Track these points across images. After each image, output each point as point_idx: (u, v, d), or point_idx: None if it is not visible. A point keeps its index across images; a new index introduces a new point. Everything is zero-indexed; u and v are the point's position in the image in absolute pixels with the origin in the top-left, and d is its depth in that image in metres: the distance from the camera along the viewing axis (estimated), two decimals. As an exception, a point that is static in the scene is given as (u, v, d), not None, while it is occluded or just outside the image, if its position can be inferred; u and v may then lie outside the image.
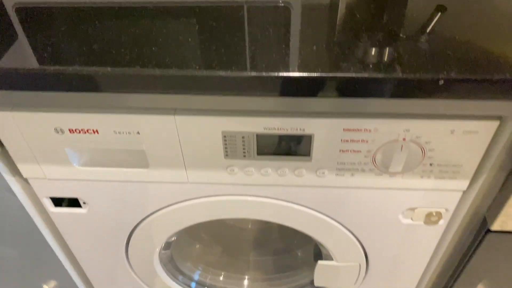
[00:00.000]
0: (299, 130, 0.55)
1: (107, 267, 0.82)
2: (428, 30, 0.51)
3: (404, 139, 0.55)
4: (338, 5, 0.57)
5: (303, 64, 0.46)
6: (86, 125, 0.57)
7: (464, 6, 0.56)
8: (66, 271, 0.83)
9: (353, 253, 0.73)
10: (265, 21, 0.55)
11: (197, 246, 0.96)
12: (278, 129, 0.55)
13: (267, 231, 0.99)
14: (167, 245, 0.82)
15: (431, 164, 0.58)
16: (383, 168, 0.58)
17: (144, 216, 0.70)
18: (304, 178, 0.61)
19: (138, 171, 0.63)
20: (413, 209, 0.65)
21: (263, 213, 0.68)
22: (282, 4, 0.58)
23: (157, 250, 0.77)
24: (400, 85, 0.45)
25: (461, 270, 0.68)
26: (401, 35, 0.50)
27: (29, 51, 0.51)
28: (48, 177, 0.65)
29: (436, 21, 0.53)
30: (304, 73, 0.45)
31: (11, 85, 0.49)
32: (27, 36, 0.53)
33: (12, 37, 0.53)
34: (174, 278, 0.86)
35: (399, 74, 0.44)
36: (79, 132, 0.58)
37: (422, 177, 0.60)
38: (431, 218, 0.66)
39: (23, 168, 0.63)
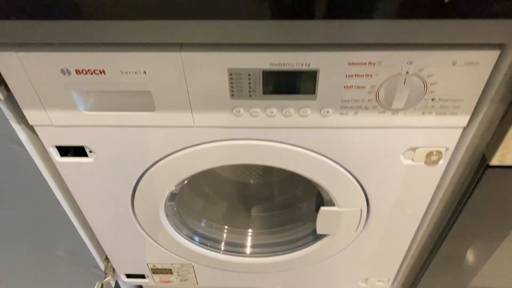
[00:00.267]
0: (305, 65, 0.56)
1: (113, 220, 0.84)
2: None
3: (407, 73, 0.56)
4: None
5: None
6: (92, 65, 0.57)
7: None
8: (74, 229, 0.84)
9: (355, 197, 0.75)
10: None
11: (200, 201, 0.98)
12: (284, 64, 0.56)
13: (269, 186, 1.00)
14: (173, 197, 0.83)
15: (432, 99, 0.59)
16: (386, 104, 0.60)
17: (150, 164, 0.71)
18: (309, 118, 0.62)
19: (144, 115, 0.63)
20: (414, 149, 0.67)
21: (268, 157, 0.69)
22: None
23: (163, 200, 0.78)
24: (404, 4, 0.45)
25: (461, 209, 0.70)
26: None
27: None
28: (55, 123, 0.65)
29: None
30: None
31: (16, 14, 0.49)
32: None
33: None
34: (179, 231, 0.88)
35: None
36: (86, 73, 0.58)
37: (423, 113, 0.61)
38: (431, 158, 0.67)
39: (29, 114, 0.64)
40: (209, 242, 0.93)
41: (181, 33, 0.52)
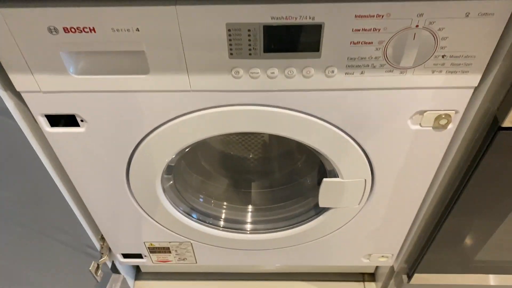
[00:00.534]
0: (309, 18, 0.52)
1: (108, 195, 0.80)
2: None
3: (417, 26, 0.52)
4: None
5: None
6: (82, 22, 0.53)
7: None
8: (68, 206, 0.81)
9: (359, 167, 0.72)
10: None
11: (198, 177, 0.95)
12: (286, 18, 0.52)
13: (269, 160, 0.97)
14: (169, 170, 0.80)
15: (443, 56, 0.56)
16: (395, 62, 0.57)
17: (145, 134, 0.68)
18: (313, 79, 0.59)
19: (138, 78, 0.60)
20: (422, 113, 0.64)
21: (270, 124, 0.66)
22: None
23: (160, 173, 0.75)
24: None
25: (470, 176, 0.67)
26: None
27: None
28: (43, 89, 0.62)
29: None
30: None
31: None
32: None
33: None
34: (176, 206, 0.85)
35: None
36: (75, 31, 0.54)
37: (433, 72, 0.58)
38: (440, 122, 0.64)
39: (16, 79, 0.60)
40: (208, 218, 0.90)
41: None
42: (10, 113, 0.64)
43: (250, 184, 0.97)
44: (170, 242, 0.94)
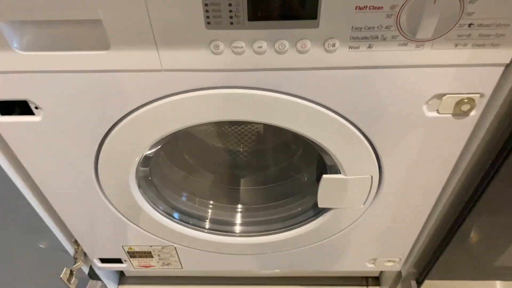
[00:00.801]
0: (303, -25, 0.42)
1: (75, 194, 0.70)
2: None
3: (439, -15, 0.42)
4: None
5: None
6: (20, -18, 0.43)
7: None
8: (30, 207, 0.70)
9: (365, 161, 0.62)
10: None
11: (180, 172, 0.84)
12: (275, -26, 0.42)
13: (261, 154, 0.87)
14: (146, 161, 0.69)
15: (469, 25, 0.46)
16: (409, 33, 0.46)
17: (111, 124, 0.58)
18: (309, 54, 0.48)
19: (97, 55, 0.49)
20: (440, 97, 0.54)
21: (258, 111, 0.55)
22: None
23: (132, 168, 0.65)
24: None
25: (496, 172, 0.57)
26: None
27: None
28: (-16, 69, 0.51)
29: None
30: None
31: None
32: None
33: None
34: (154, 206, 0.74)
35: None
36: (13, -6, 0.44)
37: (456, 46, 0.48)
38: (461, 108, 0.54)
39: (-51, 56, 0.50)
40: (191, 219, 0.80)
41: None
42: None
43: (240, 180, 0.87)
44: (151, 246, 0.84)
